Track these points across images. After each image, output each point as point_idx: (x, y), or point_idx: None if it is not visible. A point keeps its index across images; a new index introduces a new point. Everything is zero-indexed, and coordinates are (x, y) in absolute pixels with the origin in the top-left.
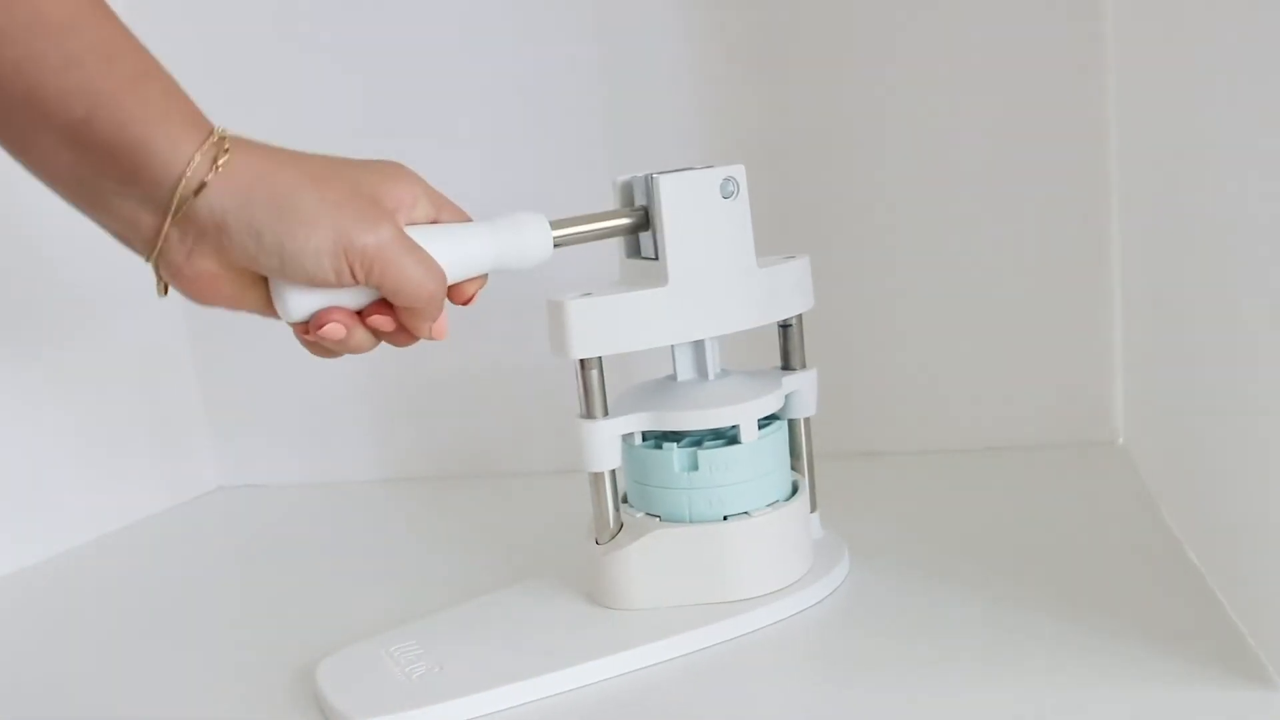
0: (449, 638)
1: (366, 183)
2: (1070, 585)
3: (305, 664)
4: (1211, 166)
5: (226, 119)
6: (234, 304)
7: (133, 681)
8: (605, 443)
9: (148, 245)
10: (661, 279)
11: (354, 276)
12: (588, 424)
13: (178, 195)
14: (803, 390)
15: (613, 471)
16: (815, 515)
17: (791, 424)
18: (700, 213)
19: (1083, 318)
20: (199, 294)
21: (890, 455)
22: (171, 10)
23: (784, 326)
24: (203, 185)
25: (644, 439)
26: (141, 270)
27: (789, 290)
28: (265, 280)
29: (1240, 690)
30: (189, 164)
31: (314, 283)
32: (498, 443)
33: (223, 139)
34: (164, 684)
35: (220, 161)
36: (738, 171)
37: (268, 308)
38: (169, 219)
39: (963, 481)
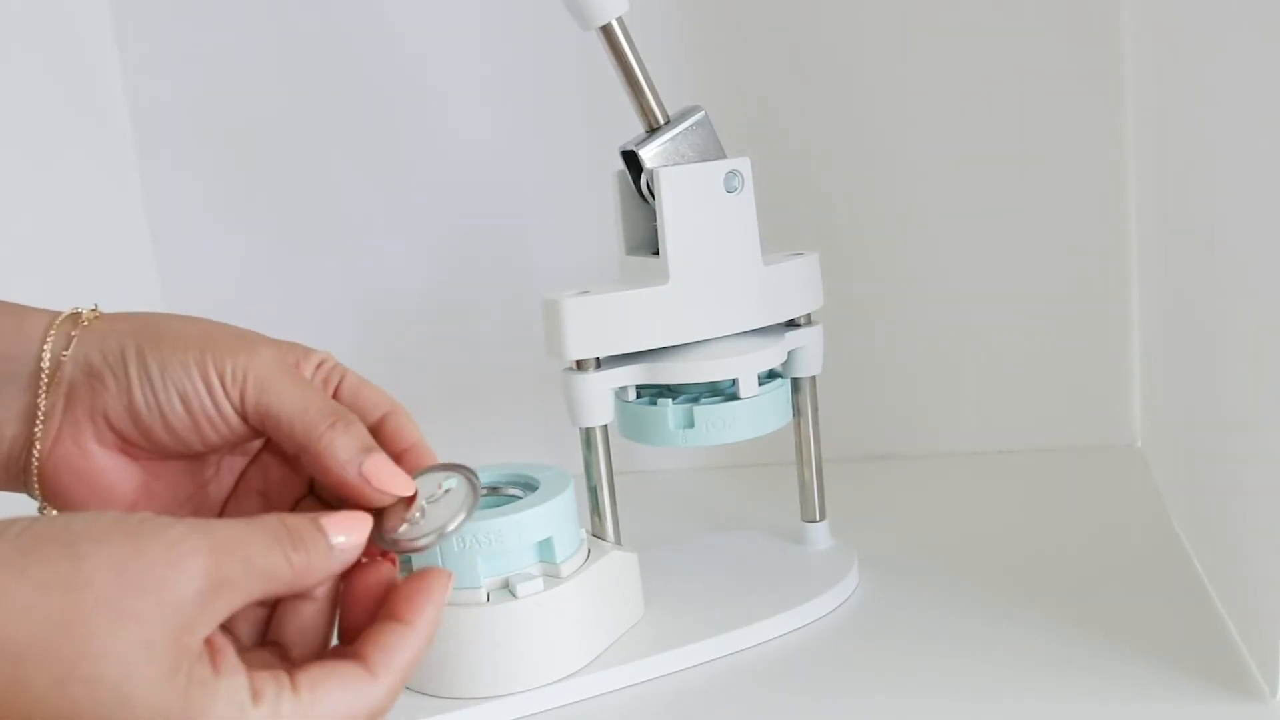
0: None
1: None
2: (1076, 595)
3: None
4: (1228, 173)
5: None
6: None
7: None
8: (596, 396)
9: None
10: (662, 277)
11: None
12: (578, 376)
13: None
14: (807, 346)
15: (604, 427)
16: (824, 524)
17: (796, 383)
18: (703, 207)
19: (1099, 317)
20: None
21: (901, 459)
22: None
23: (791, 326)
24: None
25: (638, 394)
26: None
27: (796, 288)
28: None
29: (1232, 703)
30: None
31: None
32: (487, 445)
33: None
34: None
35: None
36: (743, 164)
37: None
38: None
39: (974, 486)
